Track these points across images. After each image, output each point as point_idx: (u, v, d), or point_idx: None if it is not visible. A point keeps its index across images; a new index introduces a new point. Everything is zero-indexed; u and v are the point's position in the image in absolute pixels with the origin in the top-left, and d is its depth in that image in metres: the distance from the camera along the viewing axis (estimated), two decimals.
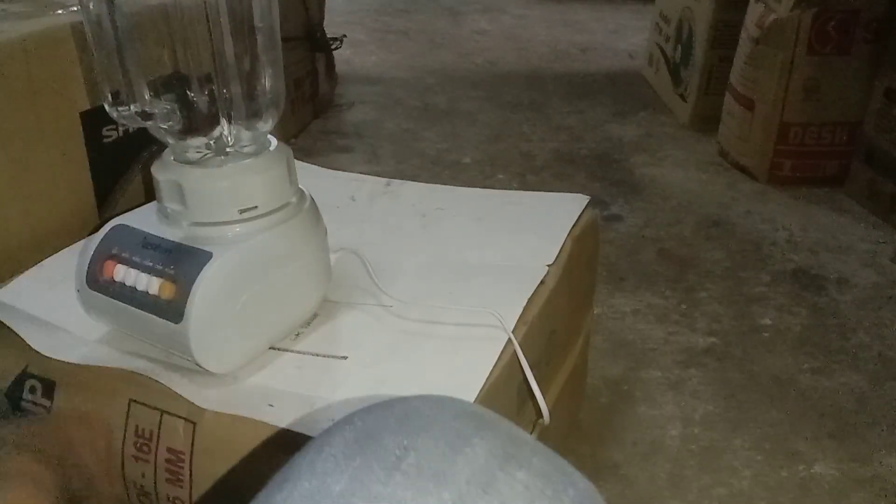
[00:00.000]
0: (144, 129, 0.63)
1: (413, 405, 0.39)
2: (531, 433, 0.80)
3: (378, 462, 0.34)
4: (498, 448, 0.35)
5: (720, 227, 1.69)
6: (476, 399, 0.64)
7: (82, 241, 0.82)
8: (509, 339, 0.71)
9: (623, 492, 1.04)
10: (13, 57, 0.77)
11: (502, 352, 0.69)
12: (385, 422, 0.37)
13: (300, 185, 0.71)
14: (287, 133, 2.04)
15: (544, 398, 0.75)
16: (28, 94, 0.79)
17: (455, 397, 0.41)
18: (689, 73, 2.19)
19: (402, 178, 1.04)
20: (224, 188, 0.63)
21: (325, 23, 2.27)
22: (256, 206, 0.64)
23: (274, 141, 0.67)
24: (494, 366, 0.68)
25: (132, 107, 0.59)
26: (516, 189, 1.81)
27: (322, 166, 1.08)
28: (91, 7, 0.57)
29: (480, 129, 2.19)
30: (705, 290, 1.46)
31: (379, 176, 1.06)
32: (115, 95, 0.60)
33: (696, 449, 1.10)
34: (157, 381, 0.65)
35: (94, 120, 0.85)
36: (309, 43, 2.15)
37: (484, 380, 0.66)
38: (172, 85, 0.60)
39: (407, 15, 3.31)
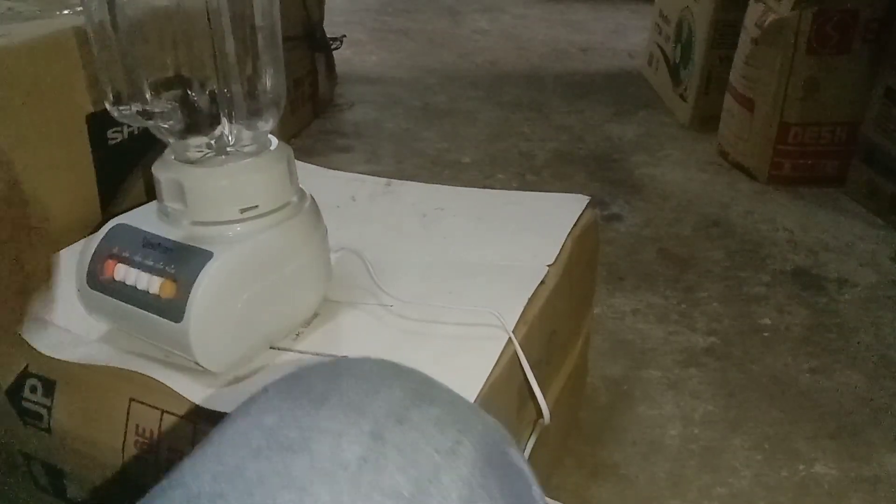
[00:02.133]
0: (149, 132, 0.63)
1: (339, 361, 0.44)
2: (531, 433, 0.80)
3: (307, 400, 0.37)
4: (413, 389, 0.39)
5: (720, 227, 1.69)
6: (476, 399, 0.64)
7: (82, 241, 0.82)
8: (510, 339, 0.71)
9: (623, 492, 1.04)
10: (19, 59, 0.77)
11: (502, 352, 0.69)
12: (314, 371, 0.41)
13: (300, 185, 0.71)
14: (287, 133, 2.04)
15: (544, 398, 0.75)
16: (34, 97, 0.79)
17: (377, 357, 0.45)
18: (688, 73, 2.19)
19: (402, 178, 1.04)
20: (225, 187, 0.63)
21: (324, 22, 2.27)
22: (257, 206, 0.64)
23: (274, 140, 0.67)
24: (495, 365, 0.68)
25: (133, 106, 0.59)
26: (516, 189, 1.81)
27: (322, 166, 1.08)
28: (93, 7, 0.57)
29: (480, 128, 2.19)
30: (705, 290, 1.46)
31: (379, 176, 1.06)
32: (117, 95, 0.60)
33: (696, 448, 1.10)
34: (157, 380, 0.65)
35: (99, 122, 0.86)
36: (309, 43, 2.15)
37: (484, 379, 0.66)
38: (173, 84, 0.60)
39: (407, 15, 3.31)
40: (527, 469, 0.40)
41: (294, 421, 0.36)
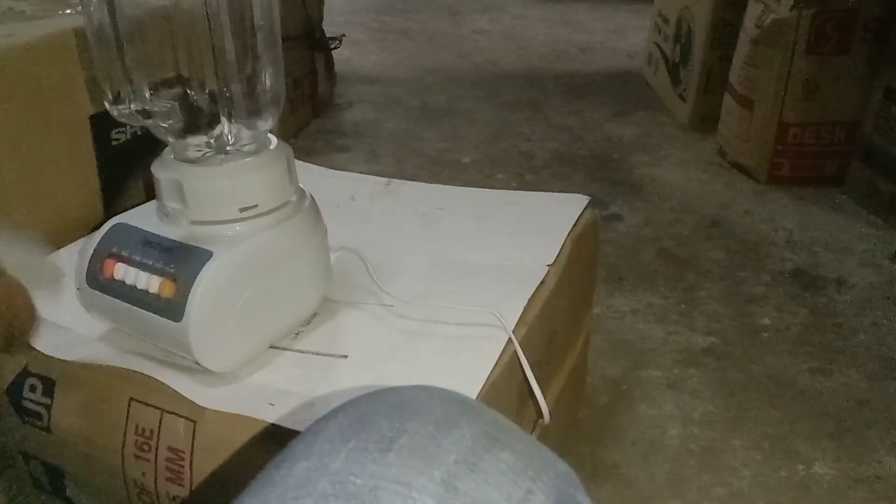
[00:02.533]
0: (152, 133, 0.63)
1: (404, 393, 0.41)
2: (531, 433, 0.80)
3: (372, 443, 0.35)
4: (483, 432, 0.37)
5: (719, 227, 1.69)
6: (476, 398, 0.64)
7: (82, 240, 0.82)
8: (509, 339, 0.71)
9: (622, 492, 1.04)
10: (23, 60, 0.78)
11: (502, 352, 0.69)
12: (378, 407, 0.39)
13: (300, 185, 0.71)
14: (286, 133, 2.04)
15: (544, 398, 0.75)
16: (37, 97, 0.80)
17: (442, 387, 0.43)
18: (688, 73, 2.19)
19: (402, 178, 1.04)
20: (224, 187, 0.63)
21: (324, 22, 2.27)
22: (256, 205, 0.64)
23: (274, 140, 0.67)
24: (495, 365, 0.68)
25: (132, 105, 0.59)
26: (515, 188, 1.81)
27: (321, 166, 1.08)
28: (92, 7, 0.57)
29: (480, 128, 2.19)
30: (704, 290, 1.46)
31: (378, 176, 1.06)
32: (116, 94, 0.60)
33: (696, 448, 1.10)
34: (157, 379, 0.65)
35: (102, 123, 0.86)
36: (308, 42, 2.15)
37: (484, 379, 0.66)
38: (173, 83, 0.60)
39: (406, 15, 3.31)
40: None
41: (360, 467, 0.34)
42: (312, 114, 2.22)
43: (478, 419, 0.39)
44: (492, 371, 0.67)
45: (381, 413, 0.38)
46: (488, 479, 0.35)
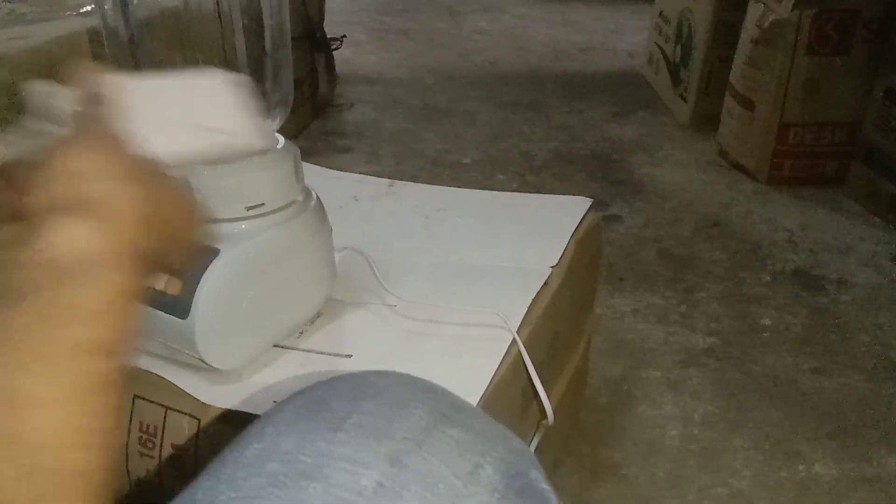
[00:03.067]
0: None
1: (361, 376, 0.42)
2: (535, 433, 0.81)
3: (324, 422, 0.36)
4: (435, 410, 0.38)
5: (720, 228, 1.69)
6: (480, 399, 0.64)
7: None
8: (513, 340, 0.71)
9: (623, 492, 1.04)
10: (36, 61, 0.78)
11: (506, 352, 0.70)
12: (335, 390, 0.40)
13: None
14: (286, 133, 2.03)
15: (548, 399, 0.75)
16: None
17: (403, 372, 0.43)
18: (688, 73, 2.19)
19: (402, 179, 1.05)
20: (231, 185, 0.63)
21: (324, 23, 2.27)
22: (263, 204, 0.64)
23: (281, 139, 0.67)
24: (499, 366, 0.68)
25: None
26: (516, 189, 1.82)
27: (321, 167, 1.08)
28: (106, 7, 0.57)
29: (480, 129, 2.19)
30: (705, 290, 1.47)
31: (378, 176, 1.06)
32: None
33: (696, 449, 1.10)
34: (161, 376, 0.65)
35: None
36: (309, 43, 2.15)
37: (488, 380, 0.66)
38: None
39: (407, 15, 3.31)
40: (550, 491, 0.40)
41: (310, 445, 0.35)
42: (313, 114, 2.22)
43: (431, 398, 0.39)
44: (496, 371, 0.67)
45: (336, 395, 0.39)
46: (436, 454, 0.35)
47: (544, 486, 0.39)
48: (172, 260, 0.37)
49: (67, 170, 0.31)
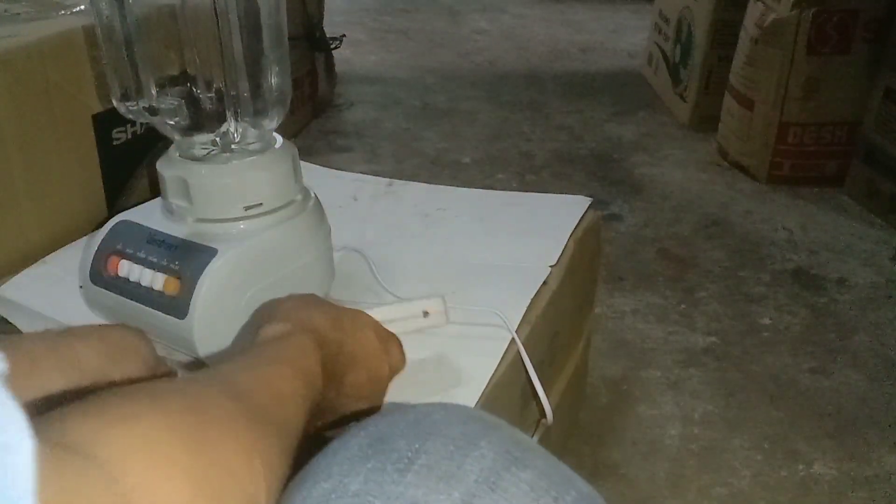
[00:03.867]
0: (153, 132, 0.63)
1: (423, 411, 0.41)
2: (534, 433, 0.80)
3: (391, 463, 0.35)
4: (504, 451, 0.37)
5: (720, 227, 1.69)
6: (479, 398, 0.64)
7: (85, 238, 0.82)
8: (512, 340, 0.71)
9: (623, 491, 1.04)
10: (30, 60, 0.78)
11: (506, 352, 0.69)
12: (397, 427, 0.38)
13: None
14: (286, 133, 2.02)
15: (547, 398, 0.75)
16: (43, 97, 0.80)
17: (462, 404, 0.44)
18: (688, 73, 2.19)
19: (402, 178, 1.04)
20: (229, 185, 0.63)
21: (324, 22, 2.26)
22: (261, 203, 0.64)
23: (279, 139, 0.67)
24: (498, 366, 0.68)
25: (140, 102, 0.59)
26: (516, 188, 1.81)
27: (321, 166, 1.08)
28: (102, 7, 0.57)
29: (480, 128, 2.19)
30: (705, 290, 1.47)
31: (378, 176, 1.06)
32: (124, 91, 0.60)
33: (696, 448, 1.10)
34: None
35: (105, 122, 0.86)
36: (308, 42, 2.15)
37: (487, 379, 0.66)
38: (180, 81, 0.60)
39: (407, 15, 3.31)
40: None
41: (379, 487, 0.34)
42: (312, 114, 2.22)
43: (498, 438, 0.38)
44: (495, 371, 0.67)
45: (399, 432, 0.38)
46: (509, 498, 0.34)
47: None
48: (342, 402, 0.52)
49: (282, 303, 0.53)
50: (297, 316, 0.51)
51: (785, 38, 1.75)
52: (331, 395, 0.49)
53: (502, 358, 0.69)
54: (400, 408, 0.41)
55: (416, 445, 0.36)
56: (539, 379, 0.73)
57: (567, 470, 0.40)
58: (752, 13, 1.85)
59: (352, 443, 0.38)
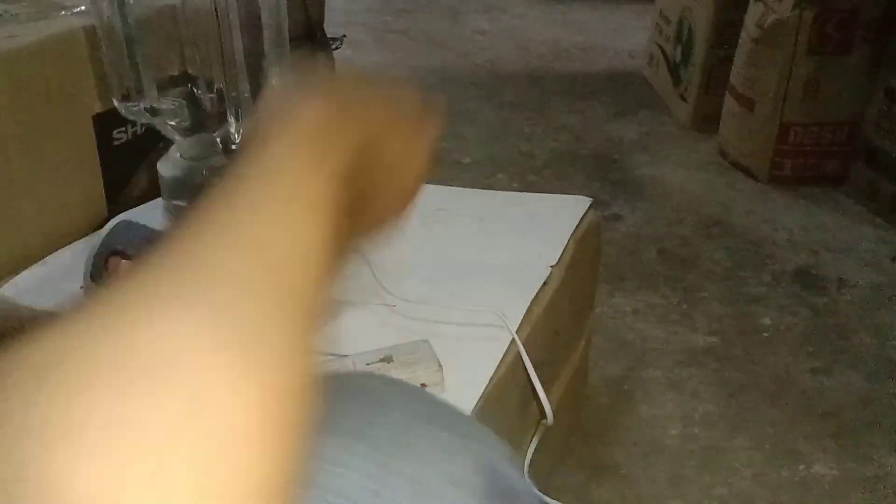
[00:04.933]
0: (153, 132, 0.63)
1: (340, 377, 0.42)
2: (534, 433, 0.80)
3: None
4: (417, 411, 0.38)
5: (720, 227, 1.69)
6: (479, 398, 0.64)
7: (85, 239, 0.82)
8: (513, 340, 0.71)
9: (623, 491, 1.04)
10: (30, 60, 0.78)
11: (506, 352, 0.70)
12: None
13: None
14: None
15: (548, 399, 0.75)
16: (43, 97, 0.80)
17: (383, 374, 0.43)
18: (689, 73, 2.19)
19: None
20: None
21: (325, 22, 2.26)
22: None
23: None
24: (498, 366, 0.68)
25: (141, 103, 0.59)
26: (516, 188, 1.81)
27: None
28: (103, 7, 0.57)
29: (480, 128, 2.19)
30: (705, 290, 1.46)
31: None
32: (125, 92, 0.60)
33: (697, 448, 1.10)
34: None
35: (105, 122, 0.86)
36: (309, 43, 2.15)
37: (487, 379, 0.66)
38: (181, 82, 0.60)
39: (407, 15, 3.31)
40: (531, 492, 0.40)
41: None
42: None
43: (412, 399, 0.39)
44: (495, 371, 0.67)
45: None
46: (422, 456, 0.35)
47: (527, 488, 0.39)
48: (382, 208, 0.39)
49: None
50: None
51: (785, 39, 1.75)
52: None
53: (502, 359, 0.69)
54: (324, 376, 0.42)
55: (331, 407, 0.37)
56: (539, 379, 0.73)
57: (482, 428, 0.41)
58: (753, 13, 1.85)
59: None
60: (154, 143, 0.80)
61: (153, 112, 0.60)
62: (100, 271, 0.65)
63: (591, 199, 0.97)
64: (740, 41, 1.91)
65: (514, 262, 0.83)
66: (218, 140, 0.64)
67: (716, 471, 1.07)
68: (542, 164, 1.98)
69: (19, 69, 0.77)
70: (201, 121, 0.62)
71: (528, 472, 0.74)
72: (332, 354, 0.68)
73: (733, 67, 1.94)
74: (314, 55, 2.09)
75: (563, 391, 0.92)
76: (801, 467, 1.08)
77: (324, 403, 0.37)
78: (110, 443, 0.18)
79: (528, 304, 0.76)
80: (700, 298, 1.44)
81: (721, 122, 2.01)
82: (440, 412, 0.39)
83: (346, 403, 0.37)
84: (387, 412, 0.37)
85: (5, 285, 0.77)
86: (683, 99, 2.22)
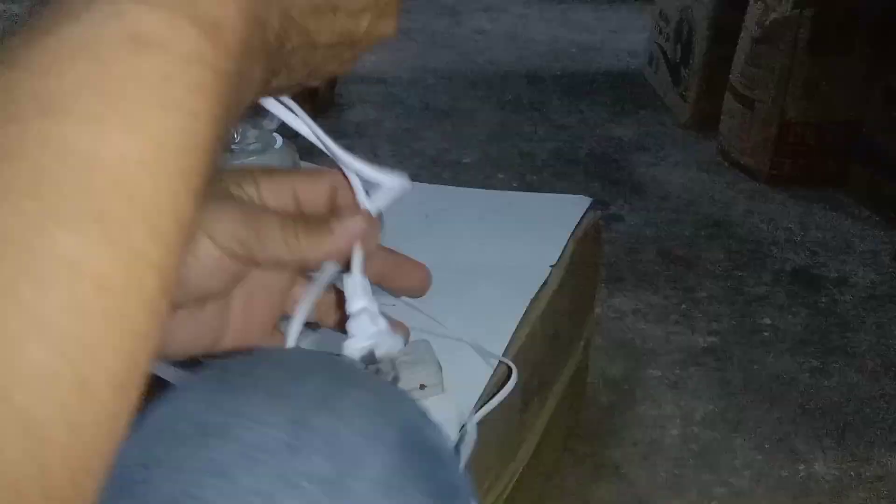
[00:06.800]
0: None
1: (265, 351, 0.43)
2: (535, 432, 0.80)
3: (229, 386, 0.37)
4: (336, 376, 0.39)
5: (720, 227, 1.69)
6: (479, 398, 0.64)
7: None
8: (512, 340, 0.71)
9: (623, 491, 1.04)
10: None
11: (505, 352, 0.70)
12: (241, 361, 0.40)
13: None
14: (286, 133, 2.03)
15: (547, 398, 0.75)
16: None
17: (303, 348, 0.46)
18: (689, 73, 2.19)
19: None
20: None
21: None
22: None
23: (279, 139, 0.67)
24: (497, 366, 0.68)
25: None
26: (516, 188, 1.81)
27: (321, 166, 1.07)
28: None
29: (480, 128, 2.19)
30: (705, 290, 1.46)
31: None
32: None
33: (696, 448, 1.10)
34: (159, 377, 0.65)
35: None
36: None
37: (487, 380, 0.66)
38: None
39: (407, 14, 3.30)
40: (452, 453, 0.41)
41: (217, 407, 0.36)
42: (312, 114, 2.22)
43: (331, 366, 0.40)
44: (494, 371, 0.67)
45: (241, 363, 0.40)
46: (340, 415, 0.36)
47: (447, 448, 0.40)
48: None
49: None
50: None
51: (785, 38, 1.75)
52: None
53: (502, 359, 0.69)
54: (246, 352, 0.44)
55: (255, 371, 0.38)
56: (539, 380, 0.73)
57: (398, 392, 0.42)
58: (753, 13, 1.85)
59: (196, 378, 0.40)
60: None
61: None
62: None
63: (590, 199, 0.97)
64: (740, 40, 1.91)
65: (513, 263, 0.83)
66: None
67: (715, 471, 1.07)
68: (542, 164, 1.98)
69: None
70: None
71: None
72: (331, 354, 0.68)
73: (733, 67, 1.94)
74: None
75: (562, 391, 0.92)
76: (801, 467, 1.08)
77: (246, 368, 0.39)
78: None
79: (528, 304, 0.76)
80: (700, 298, 1.44)
81: (721, 122, 2.01)
82: (358, 376, 0.41)
83: (267, 366, 0.39)
84: (309, 376, 0.38)
85: None
86: (683, 98, 2.22)
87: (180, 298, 0.38)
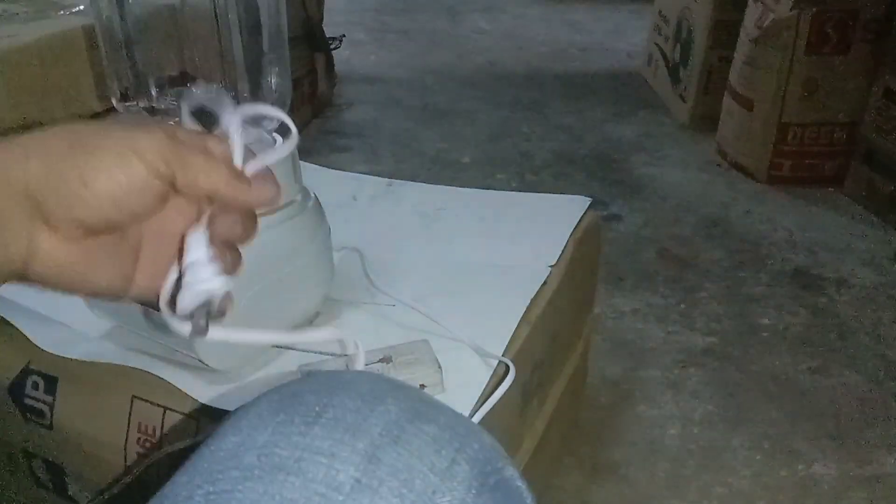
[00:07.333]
0: None
1: (334, 373, 0.43)
2: (535, 431, 0.80)
3: (299, 416, 0.36)
4: (409, 406, 0.38)
5: (719, 227, 1.69)
6: (478, 399, 0.64)
7: None
8: (512, 340, 0.71)
9: (623, 491, 1.04)
10: (30, 60, 0.78)
11: (505, 352, 0.69)
12: (307, 385, 0.40)
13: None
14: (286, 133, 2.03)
15: (547, 400, 0.75)
16: (42, 96, 0.80)
17: (373, 373, 0.43)
18: (688, 73, 2.19)
19: (402, 178, 1.04)
20: None
21: (324, 22, 2.26)
22: None
23: (279, 139, 0.67)
24: (497, 366, 0.68)
25: (139, 102, 0.59)
26: (515, 188, 1.81)
27: (321, 166, 1.08)
28: (102, 7, 0.57)
29: (480, 128, 2.19)
30: (704, 290, 1.47)
31: (378, 176, 1.06)
32: (124, 91, 0.60)
33: (696, 448, 1.10)
34: (160, 377, 0.65)
35: None
36: (308, 42, 2.15)
37: (487, 380, 0.66)
38: (179, 81, 0.60)
39: (407, 14, 3.31)
40: (523, 486, 0.40)
41: (286, 439, 0.35)
42: (312, 114, 2.22)
43: (404, 395, 0.39)
44: (494, 371, 0.67)
45: (310, 390, 0.39)
46: (412, 450, 0.35)
47: (518, 482, 0.39)
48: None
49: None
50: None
51: (785, 39, 1.75)
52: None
53: (501, 359, 0.68)
54: (314, 372, 0.42)
55: (325, 400, 0.37)
56: (538, 381, 0.73)
57: (472, 424, 0.41)
58: (752, 13, 1.85)
59: (262, 401, 0.39)
60: None
61: (152, 112, 0.59)
62: None
63: (590, 199, 0.96)
64: (739, 41, 1.91)
65: (513, 262, 0.83)
66: None
67: (715, 471, 1.07)
68: (541, 164, 1.98)
69: (18, 68, 0.77)
70: (200, 120, 0.62)
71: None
72: (330, 354, 0.68)
73: (732, 67, 1.94)
74: (313, 54, 2.09)
75: (562, 391, 0.92)
76: (801, 467, 1.08)
77: (317, 396, 0.38)
78: None
79: (528, 304, 0.76)
80: (699, 298, 1.44)
81: (720, 122, 2.02)
82: (432, 409, 0.39)
83: (337, 398, 0.38)
84: (380, 407, 0.37)
85: (5, 285, 0.77)
86: (682, 99, 2.22)
87: (113, 216, 0.37)
